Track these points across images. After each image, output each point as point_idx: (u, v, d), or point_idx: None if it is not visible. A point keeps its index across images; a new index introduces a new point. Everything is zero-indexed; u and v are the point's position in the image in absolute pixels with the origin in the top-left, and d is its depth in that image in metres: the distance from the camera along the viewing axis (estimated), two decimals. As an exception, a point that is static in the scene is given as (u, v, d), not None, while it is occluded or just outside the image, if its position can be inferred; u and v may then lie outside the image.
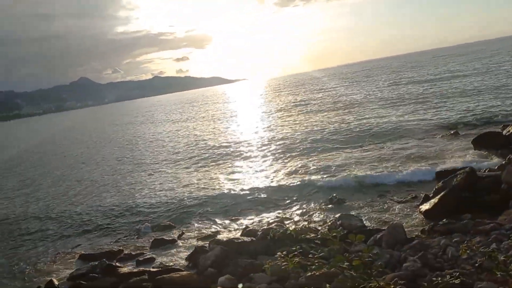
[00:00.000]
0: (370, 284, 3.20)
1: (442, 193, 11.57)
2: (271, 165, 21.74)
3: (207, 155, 27.32)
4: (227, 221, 14.31)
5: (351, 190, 15.35)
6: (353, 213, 12.51)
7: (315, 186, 16.43)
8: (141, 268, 10.90)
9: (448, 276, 6.15)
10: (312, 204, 14.54)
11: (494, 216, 9.81)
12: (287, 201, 15.29)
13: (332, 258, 3.32)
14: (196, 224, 14.50)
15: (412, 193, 13.71)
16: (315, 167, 19.35)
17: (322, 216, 13.18)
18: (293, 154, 23.28)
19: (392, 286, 3.37)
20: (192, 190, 18.89)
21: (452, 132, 21.87)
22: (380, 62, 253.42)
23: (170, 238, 13.31)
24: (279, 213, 14.28)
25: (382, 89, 55.34)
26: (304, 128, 32.30)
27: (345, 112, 37.85)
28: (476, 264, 6.62)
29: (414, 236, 9.82)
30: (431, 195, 12.15)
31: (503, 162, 14.26)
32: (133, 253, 12.63)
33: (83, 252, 13.30)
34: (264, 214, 14.35)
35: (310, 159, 21.25)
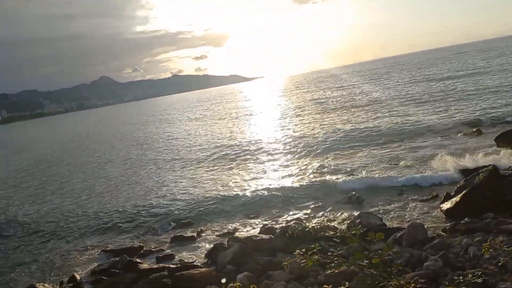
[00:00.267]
0: (391, 283, 3.17)
1: (464, 192, 11.36)
2: (290, 164, 21.69)
3: (225, 153, 27.46)
4: (245, 219, 14.35)
5: (370, 189, 15.19)
6: (372, 211, 12.39)
7: (334, 185, 16.30)
8: (161, 265, 11.02)
9: (470, 275, 6.04)
10: (331, 203, 14.45)
11: (518, 216, 9.60)
12: (306, 200, 15.23)
13: (351, 256, 3.30)
14: (214, 222, 14.60)
15: (433, 192, 13.50)
16: (333, 166, 19.25)
17: (340, 214, 13.08)
18: (312, 153, 23.19)
19: (413, 285, 3.33)
20: (210, 188, 19.03)
21: (474, 129, 21.45)
22: (405, 58, 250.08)
23: (189, 235, 13.45)
24: (297, 211, 14.24)
25: (407, 85, 54.86)
26: (322, 126, 32.13)
27: (365, 110, 37.54)
28: (500, 264, 6.50)
29: (435, 235, 9.68)
30: (452, 194, 11.93)
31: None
32: (153, 249, 12.83)
33: (104, 248, 13.58)
34: (283, 212, 14.34)
35: (329, 158, 21.15)
